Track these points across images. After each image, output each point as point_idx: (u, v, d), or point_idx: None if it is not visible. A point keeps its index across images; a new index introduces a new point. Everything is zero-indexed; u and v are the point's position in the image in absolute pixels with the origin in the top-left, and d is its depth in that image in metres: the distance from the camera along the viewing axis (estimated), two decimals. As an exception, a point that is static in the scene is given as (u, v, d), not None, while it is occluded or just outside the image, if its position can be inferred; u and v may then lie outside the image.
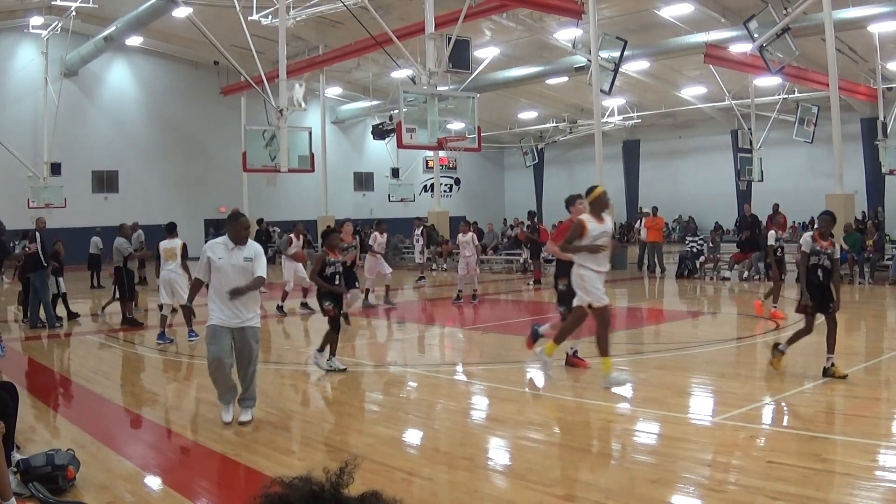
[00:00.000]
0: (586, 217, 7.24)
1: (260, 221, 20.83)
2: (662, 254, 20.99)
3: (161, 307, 10.95)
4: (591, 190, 7.47)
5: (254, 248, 6.31)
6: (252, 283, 6.16)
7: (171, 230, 11.00)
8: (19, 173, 25.38)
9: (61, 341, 11.64)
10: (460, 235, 15.47)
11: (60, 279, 13.69)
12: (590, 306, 7.17)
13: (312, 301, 14.39)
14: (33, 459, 4.76)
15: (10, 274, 20.89)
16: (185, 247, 10.90)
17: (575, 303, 7.22)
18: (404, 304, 16.24)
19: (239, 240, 6.20)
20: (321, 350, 8.42)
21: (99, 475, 4.99)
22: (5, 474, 4.27)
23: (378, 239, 14.81)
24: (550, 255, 7.93)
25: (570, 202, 8.17)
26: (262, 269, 6.25)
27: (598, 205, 7.32)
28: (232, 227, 6.24)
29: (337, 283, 8.39)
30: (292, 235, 14.69)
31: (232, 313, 6.09)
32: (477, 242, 15.68)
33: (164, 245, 10.87)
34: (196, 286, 6.57)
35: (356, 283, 11.61)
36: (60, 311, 13.62)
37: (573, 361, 8.22)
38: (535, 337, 8.27)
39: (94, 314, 14.24)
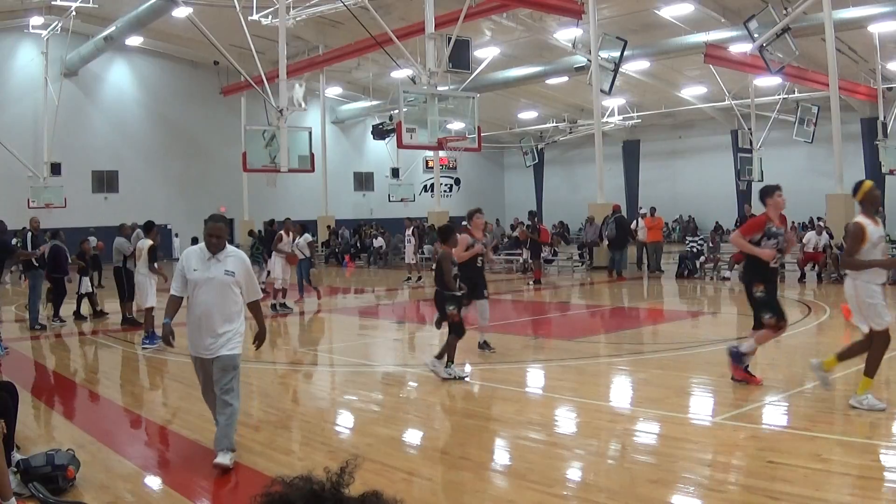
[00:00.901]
0: (864, 220, 6.07)
1: (271, 223, 20.60)
2: (661, 254, 21.00)
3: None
4: (858, 186, 6.29)
5: (237, 258, 5.19)
6: (260, 319, 5.41)
7: (147, 229, 10.87)
8: (19, 173, 25.41)
9: (61, 341, 11.64)
10: None
11: (86, 278, 13.63)
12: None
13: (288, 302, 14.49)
14: (33, 459, 4.75)
15: (13, 275, 20.91)
16: (152, 249, 10.65)
17: (875, 328, 6.00)
18: (402, 304, 16.25)
19: (212, 248, 5.09)
20: (441, 357, 7.81)
21: (99, 475, 4.99)
22: (5, 474, 4.27)
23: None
24: (738, 247, 6.71)
25: (767, 193, 6.98)
26: (253, 284, 5.29)
27: (871, 203, 6.19)
28: (204, 230, 5.14)
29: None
30: (282, 232, 14.48)
31: (202, 342, 5.10)
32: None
33: (138, 245, 10.81)
34: (172, 304, 5.29)
35: (486, 291, 9.36)
36: (82, 309, 13.64)
37: (744, 376, 7.02)
38: (738, 359, 7.04)
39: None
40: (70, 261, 13.34)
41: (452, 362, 7.77)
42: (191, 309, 5.13)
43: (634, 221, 21.13)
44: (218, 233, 5.10)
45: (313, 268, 15.80)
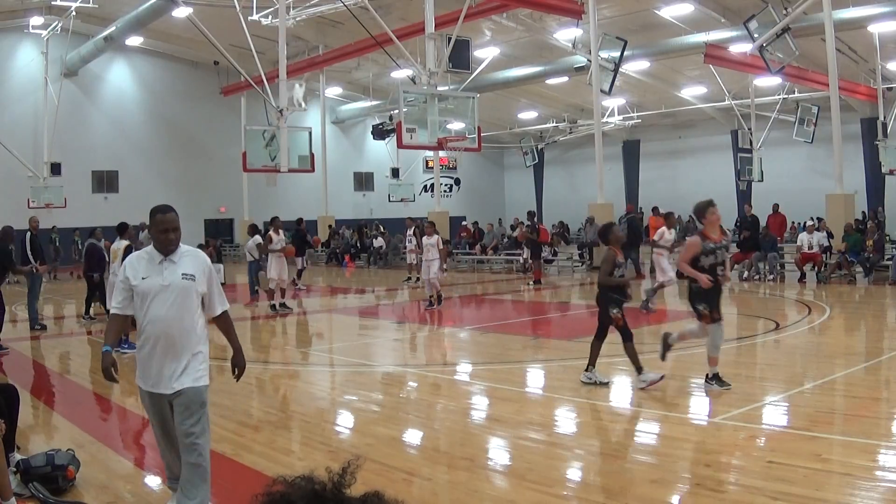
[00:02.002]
0: None
1: (299, 222, 20.19)
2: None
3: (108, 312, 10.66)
4: None
5: (195, 258, 4.13)
6: (233, 337, 4.26)
7: (121, 231, 10.70)
8: (19, 173, 25.40)
9: (61, 341, 11.64)
10: (425, 238, 14.34)
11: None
12: None
13: (289, 301, 14.40)
14: (33, 459, 4.76)
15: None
16: (128, 249, 10.32)
17: None
18: (402, 304, 16.24)
19: (169, 245, 4.03)
20: (593, 366, 7.30)
21: (99, 475, 4.99)
22: (6, 474, 4.27)
23: (666, 236, 12.69)
24: None
25: None
26: (218, 291, 4.20)
27: None
28: (152, 225, 4.08)
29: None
30: (271, 232, 14.35)
31: (158, 372, 3.96)
32: (442, 246, 14.56)
33: (113, 247, 10.57)
34: (114, 325, 4.19)
35: (719, 311, 7.39)
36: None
37: None
38: None
39: None
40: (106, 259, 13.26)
41: (641, 370, 7.08)
42: (142, 329, 4.00)
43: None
44: (175, 225, 4.03)
45: (262, 270, 15.33)
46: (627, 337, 7.14)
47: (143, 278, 3.98)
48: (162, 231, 4.01)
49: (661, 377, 7.05)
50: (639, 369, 7.06)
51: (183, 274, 4.01)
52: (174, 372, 3.95)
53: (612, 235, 7.44)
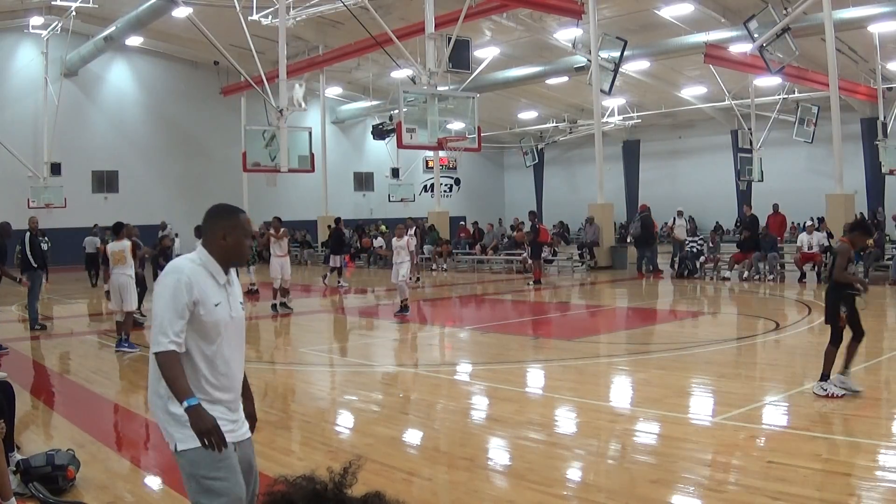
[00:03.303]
0: None
1: (337, 221, 19.82)
2: (657, 254, 21.06)
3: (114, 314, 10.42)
4: None
5: (235, 278, 3.16)
6: (247, 388, 3.26)
7: (117, 231, 10.57)
8: (19, 173, 25.40)
9: (61, 341, 11.64)
10: (395, 239, 13.22)
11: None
12: None
13: (291, 301, 14.41)
14: (33, 459, 4.76)
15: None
16: (135, 246, 10.38)
17: None
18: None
19: (243, 260, 3.19)
20: (828, 377, 6.44)
21: (99, 475, 4.99)
22: (5, 474, 4.27)
23: None
24: None
25: None
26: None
27: None
28: (233, 228, 3.02)
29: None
30: (271, 232, 14.44)
31: (233, 416, 3.04)
32: (412, 248, 13.47)
33: (112, 248, 10.30)
34: (177, 368, 2.82)
35: None
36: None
37: None
38: None
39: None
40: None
41: (828, 378, 6.42)
42: (214, 371, 2.95)
43: (672, 219, 21.08)
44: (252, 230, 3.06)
45: None
46: (837, 343, 6.48)
47: (215, 305, 2.94)
48: (249, 236, 3.06)
49: (844, 395, 6.36)
50: (825, 375, 6.40)
51: (241, 302, 3.13)
52: (241, 417, 3.12)
53: (859, 232, 6.89)
